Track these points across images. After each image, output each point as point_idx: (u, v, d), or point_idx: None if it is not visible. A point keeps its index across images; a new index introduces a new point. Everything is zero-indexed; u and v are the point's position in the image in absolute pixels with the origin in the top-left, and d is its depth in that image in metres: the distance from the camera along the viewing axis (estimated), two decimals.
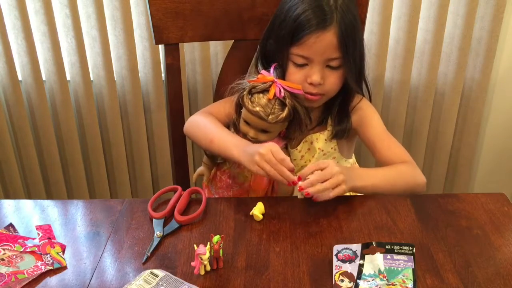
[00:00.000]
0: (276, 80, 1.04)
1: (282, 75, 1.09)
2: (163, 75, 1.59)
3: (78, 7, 1.52)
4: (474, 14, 1.55)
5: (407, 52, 1.60)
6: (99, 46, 1.56)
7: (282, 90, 1.03)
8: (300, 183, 0.95)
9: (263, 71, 1.07)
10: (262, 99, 1.03)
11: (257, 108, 1.03)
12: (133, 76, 1.62)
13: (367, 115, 1.17)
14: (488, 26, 1.57)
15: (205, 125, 1.13)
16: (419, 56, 1.63)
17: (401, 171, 1.09)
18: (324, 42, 1.03)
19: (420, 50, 1.62)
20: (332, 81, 1.08)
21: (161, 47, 1.56)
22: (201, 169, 1.24)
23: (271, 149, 0.96)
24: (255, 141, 1.08)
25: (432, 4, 1.54)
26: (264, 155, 0.95)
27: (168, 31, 1.23)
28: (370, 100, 1.22)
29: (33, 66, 1.57)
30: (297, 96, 1.06)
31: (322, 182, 0.95)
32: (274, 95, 1.03)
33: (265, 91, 1.04)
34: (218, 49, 1.61)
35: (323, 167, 0.96)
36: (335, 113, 1.16)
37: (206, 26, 1.25)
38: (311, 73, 1.06)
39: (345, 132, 1.16)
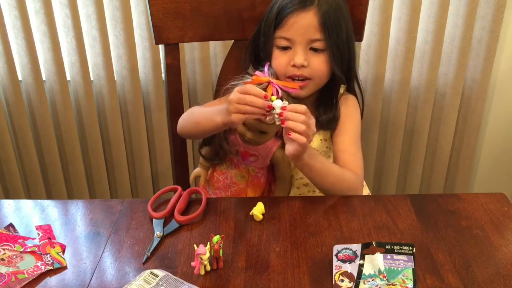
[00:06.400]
0: (272, 80, 1.03)
1: (275, 73, 1.09)
2: (163, 75, 1.59)
3: (78, 7, 1.52)
4: (474, 14, 1.55)
5: (408, 52, 1.60)
6: (99, 46, 1.56)
7: (280, 91, 1.03)
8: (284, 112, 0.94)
9: (257, 72, 1.07)
10: None
11: None
12: (133, 76, 1.62)
13: (346, 116, 1.16)
14: (488, 26, 1.57)
15: (189, 114, 1.16)
16: (419, 56, 1.63)
17: (344, 178, 1.08)
18: (304, 21, 1.05)
19: (421, 51, 1.62)
20: (316, 64, 1.08)
21: (161, 47, 1.56)
22: (197, 170, 1.23)
23: (236, 90, 0.95)
24: (253, 142, 1.08)
25: (432, 5, 1.55)
26: (232, 98, 0.95)
27: (168, 31, 1.23)
28: (363, 102, 1.22)
29: (33, 66, 1.57)
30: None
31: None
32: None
33: None
34: (218, 49, 1.61)
35: (308, 115, 0.95)
36: (322, 104, 1.16)
37: (206, 26, 1.25)
38: (294, 55, 1.07)
39: (331, 122, 1.15)
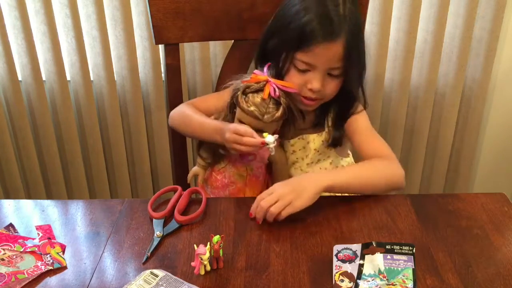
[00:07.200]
0: (270, 79, 1.03)
1: (277, 74, 1.08)
2: (163, 75, 1.59)
3: (78, 7, 1.52)
4: (474, 14, 1.55)
5: (407, 52, 1.60)
6: (99, 46, 1.56)
7: (277, 90, 1.03)
8: (253, 212, 0.97)
9: (256, 71, 1.07)
10: (257, 98, 1.03)
11: (252, 108, 1.03)
12: (133, 76, 1.62)
13: (356, 116, 1.16)
14: (488, 26, 1.58)
15: (185, 117, 1.17)
16: (419, 56, 1.63)
17: (375, 166, 1.08)
18: (331, 52, 1.02)
19: (420, 51, 1.62)
20: (331, 88, 1.08)
21: (161, 47, 1.56)
22: (195, 169, 1.23)
23: (231, 130, 1.01)
24: None
25: (432, 5, 1.55)
26: (229, 139, 1.01)
27: (168, 31, 1.23)
28: (366, 106, 1.21)
29: (33, 66, 1.57)
30: (292, 99, 1.06)
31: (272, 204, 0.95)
32: (269, 94, 1.02)
33: (259, 91, 1.04)
34: (218, 49, 1.61)
35: (269, 192, 0.97)
36: (333, 119, 1.16)
37: (206, 26, 1.25)
38: (312, 79, 1.05)
39: (341, 139, 1.17)
